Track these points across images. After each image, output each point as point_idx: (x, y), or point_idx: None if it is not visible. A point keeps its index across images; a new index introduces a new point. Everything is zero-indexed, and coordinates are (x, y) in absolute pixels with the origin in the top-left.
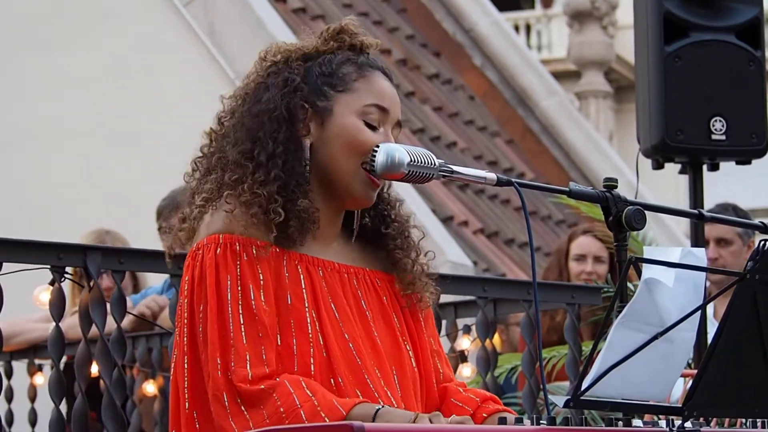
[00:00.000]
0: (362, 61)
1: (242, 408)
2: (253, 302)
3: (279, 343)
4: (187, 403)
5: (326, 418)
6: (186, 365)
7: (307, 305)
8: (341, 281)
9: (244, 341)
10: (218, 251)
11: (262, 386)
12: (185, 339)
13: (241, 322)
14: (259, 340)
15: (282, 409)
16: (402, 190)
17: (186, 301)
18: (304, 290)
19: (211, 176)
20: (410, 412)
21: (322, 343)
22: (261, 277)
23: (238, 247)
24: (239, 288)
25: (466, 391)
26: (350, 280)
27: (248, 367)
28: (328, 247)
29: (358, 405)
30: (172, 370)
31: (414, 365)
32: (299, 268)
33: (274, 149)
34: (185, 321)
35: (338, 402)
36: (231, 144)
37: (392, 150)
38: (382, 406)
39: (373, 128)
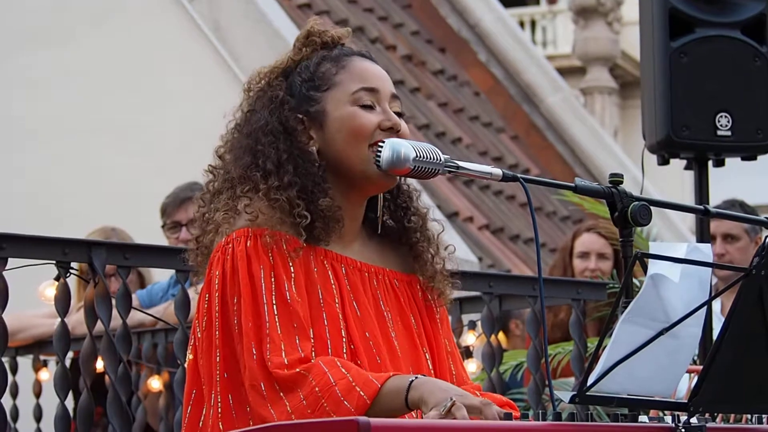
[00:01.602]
0: (336, 54)
1: (280, 394)
2: (287, 293)
3: (312, 336)
4: (219, 397)
5: (362, 393)
6: (219, 358)
7: (337, 301)
8: (362, 280)
9: (279, 331)
10: (249, 243)
11: (298, 369)
12: (216, 332)
13: (275, 312)
14: (294, 330)
15: (317, 389)
16: None
17: (218, 294)
18: (333, 286)
19: (222, 196)
20: (447, 386)
21: (350, 338)
22: (292, 269)
23: (268, 240)
24: (272, 279)
25: (483, 394)
26: (370, 280)
27: (283, 355)
28: (349, 245)
29: (393, 377)
30: (189, 361)
31: (431, 368)
32: (325, 263)
33: (278, 157)
34: (216, 315)
35: (373, 376)
36: (232, 164)
37: (398, 145)
38: (416, 377)
39: (369, 108)
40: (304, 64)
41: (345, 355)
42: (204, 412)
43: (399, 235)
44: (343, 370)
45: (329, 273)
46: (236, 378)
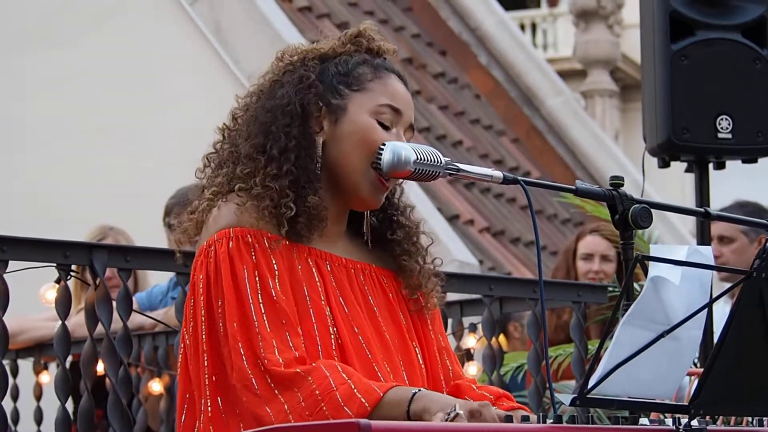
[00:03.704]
0: (378, 63)
1: (275, 391)
2: (272, 290)
3: (301, 333)
4: (209, 401)
5: (363, 400)
6: (206, 362)
7: (323, 297)
8: (348, 276)
9: (268, 329)
10: (230, 245)
11: (297, 370)
12: (203, 337)
13: (263, 310)
14: (283, 327)
15: (318, 392)
16: (407, 189)
17: (203, 299)
18: (318, 283)
19: (222, 170)
20: (449, 397)
21: (338, 334)
22: (276, 267)
23: (250, 239)
24: (257, 277)
25: (480, 388)
26: (357, 276)
27: (277, 353)
28: (334, 243)
29: (395, 388)
30: (180, 369)
31: (421, 362)
32: (309, 261)
33: (287, 143)
34: (203, 319)
35: (375, 384)
36: (244, 138)
37: (398, 148)
38: (419, 390)
39: (386, 128)
40: (344, 59)
41: (335, 351)
42: (198, 419)
43: (384, 242)
44: (345, 376)
45: (313, 270)
46: (224, 380)
